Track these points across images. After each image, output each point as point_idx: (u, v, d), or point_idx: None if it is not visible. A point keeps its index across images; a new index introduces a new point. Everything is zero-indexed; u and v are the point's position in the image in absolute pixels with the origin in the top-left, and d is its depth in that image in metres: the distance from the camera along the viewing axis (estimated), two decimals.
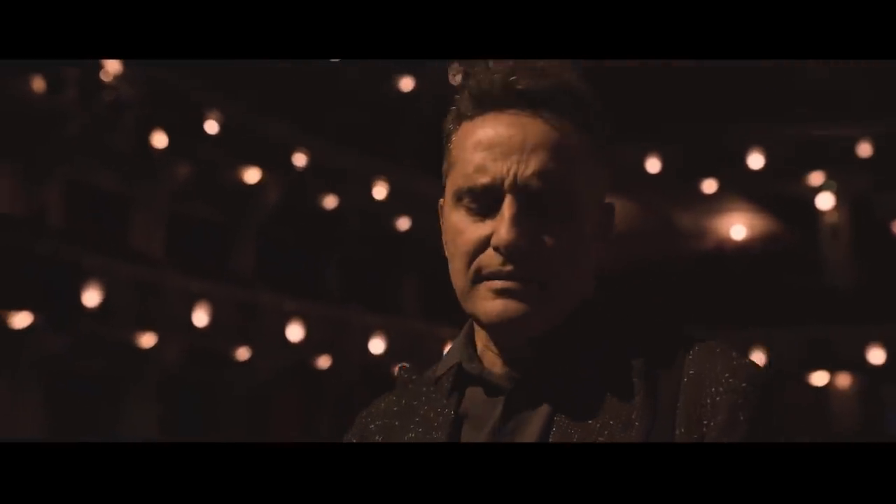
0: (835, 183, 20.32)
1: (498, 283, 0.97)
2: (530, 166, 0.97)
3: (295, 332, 16.14)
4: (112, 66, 13.47)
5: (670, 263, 20.43)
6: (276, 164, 16.70)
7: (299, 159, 17.03)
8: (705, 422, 0.93)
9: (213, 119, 15.37)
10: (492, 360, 1.03)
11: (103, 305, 13.01)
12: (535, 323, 0.98)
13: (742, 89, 19.27)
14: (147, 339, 13.98)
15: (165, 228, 15.93)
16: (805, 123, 19.26)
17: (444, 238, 1.03)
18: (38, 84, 12.77)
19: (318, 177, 17.36)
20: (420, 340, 17.44)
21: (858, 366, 18.73)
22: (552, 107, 0.99)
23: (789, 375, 18.39)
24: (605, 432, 0.94)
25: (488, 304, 0.97)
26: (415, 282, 20.32)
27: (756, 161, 20.10)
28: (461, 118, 1.03)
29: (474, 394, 1.03)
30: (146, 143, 14.52)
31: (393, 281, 20.27)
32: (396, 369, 1.15)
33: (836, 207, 20.70)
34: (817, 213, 20.89)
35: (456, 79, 1.04)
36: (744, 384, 0.94)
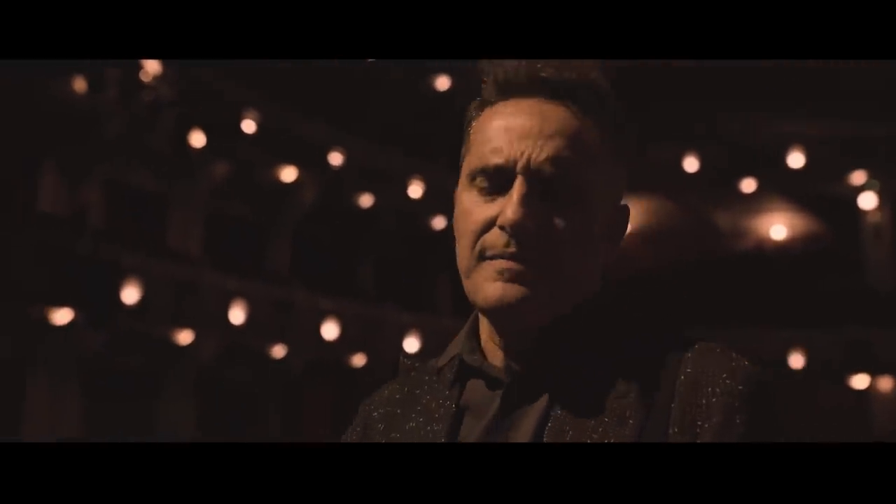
0: (878, 182, 19.98)
1: (500, 263, 0.96)
2: (545, 151, 0.96)
3: (330, 330, 16.22)
4: (151, 67, 13.61)
5: (709, 263, 20.22)
6: (312, 164, 16.79)
7: (335, 158, 17.10)
8: (700, 423, 0.92)
9: (250, 119, 15.48)
10: (493, 353, 1.02)
11: (141, 303, 13.17)
12: (534, 308, 0.96)
13: (782, 88, 19.00)
14: (184, 337, 14.14)
15: (203, 227, 16.09)
16: (846, 122, 18.96)
17: (455, 218, 1.03)
18: (80, 84, 12.95)
19: (353, 176, 17.42)
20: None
21: None
22: (574, 99, 0.99)
23: (826, 378, 18.13)
24: (600, 429, 0.93)
25: (489, 286, 0.97)
26: (449, 281, 20.30)
27: (796, 160, 19.83)
28: (484, 105, 1.03)
29: (475, 386, 1.03)
30: (184, 143, 14.66)
31: (428, 280, 20.29)
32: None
33: (879, 207, 20.36)
34: (859, 213, 20.56)
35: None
36: (740, 387, 0.92)
